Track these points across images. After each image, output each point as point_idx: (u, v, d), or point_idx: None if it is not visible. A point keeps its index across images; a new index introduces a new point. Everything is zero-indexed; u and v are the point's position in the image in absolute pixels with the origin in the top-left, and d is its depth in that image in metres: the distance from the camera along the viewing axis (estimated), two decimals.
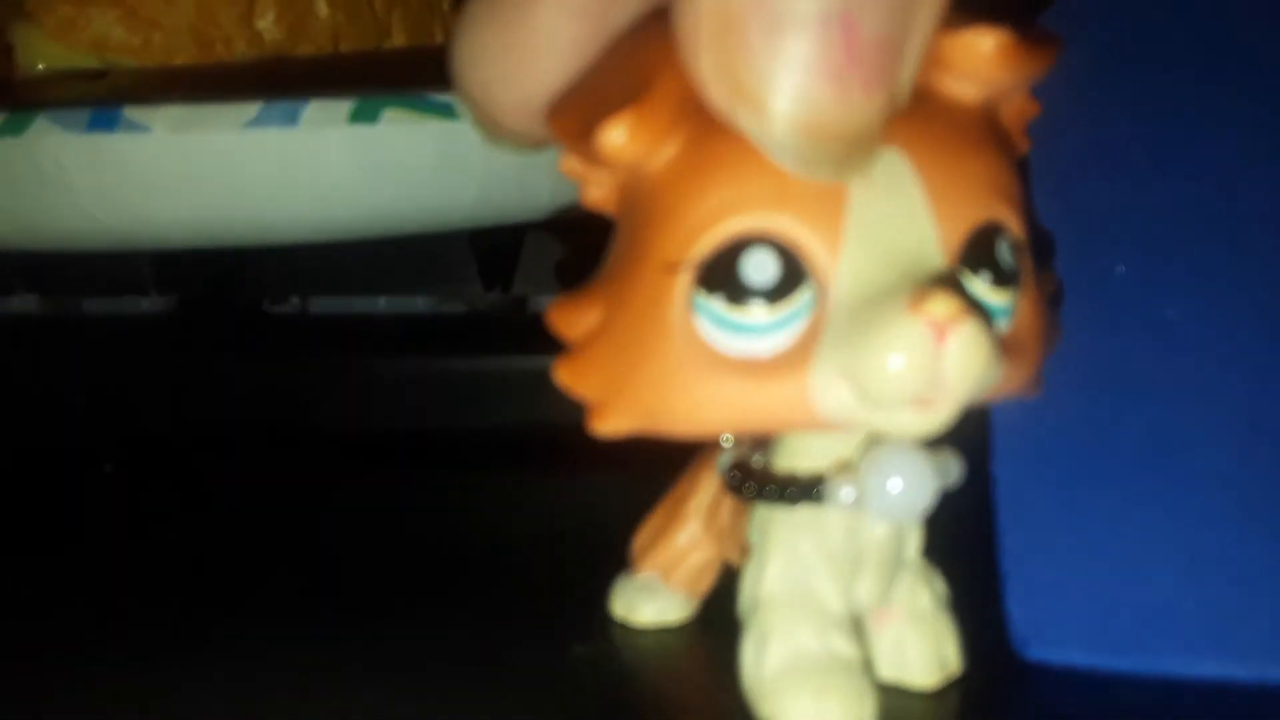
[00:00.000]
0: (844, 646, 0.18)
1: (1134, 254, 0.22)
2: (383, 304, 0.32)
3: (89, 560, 0.24)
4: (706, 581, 0.22)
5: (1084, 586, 0.20)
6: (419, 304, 0.32)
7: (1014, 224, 0.17)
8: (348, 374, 0.31)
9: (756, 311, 0.16)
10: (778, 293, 0.16)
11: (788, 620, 0.18)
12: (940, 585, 0.20)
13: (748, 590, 0.19)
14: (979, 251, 0.16)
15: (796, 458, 0.18)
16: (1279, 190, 0.22)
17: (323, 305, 0.33)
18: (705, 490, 0.21)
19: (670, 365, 0.16)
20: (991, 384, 0.16)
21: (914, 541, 0.19)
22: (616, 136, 0.16)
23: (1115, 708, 0.19)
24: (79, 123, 0.23)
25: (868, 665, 0.19)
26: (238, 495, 0.28)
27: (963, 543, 0.20)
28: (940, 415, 0.16)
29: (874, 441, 0.18)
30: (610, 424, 0.17)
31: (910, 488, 0.17)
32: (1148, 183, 0.22)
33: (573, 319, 0.17)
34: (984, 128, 0.17)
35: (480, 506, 0.28)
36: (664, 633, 0.21)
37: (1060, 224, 0.22)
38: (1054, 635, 0.20)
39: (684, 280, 0.16)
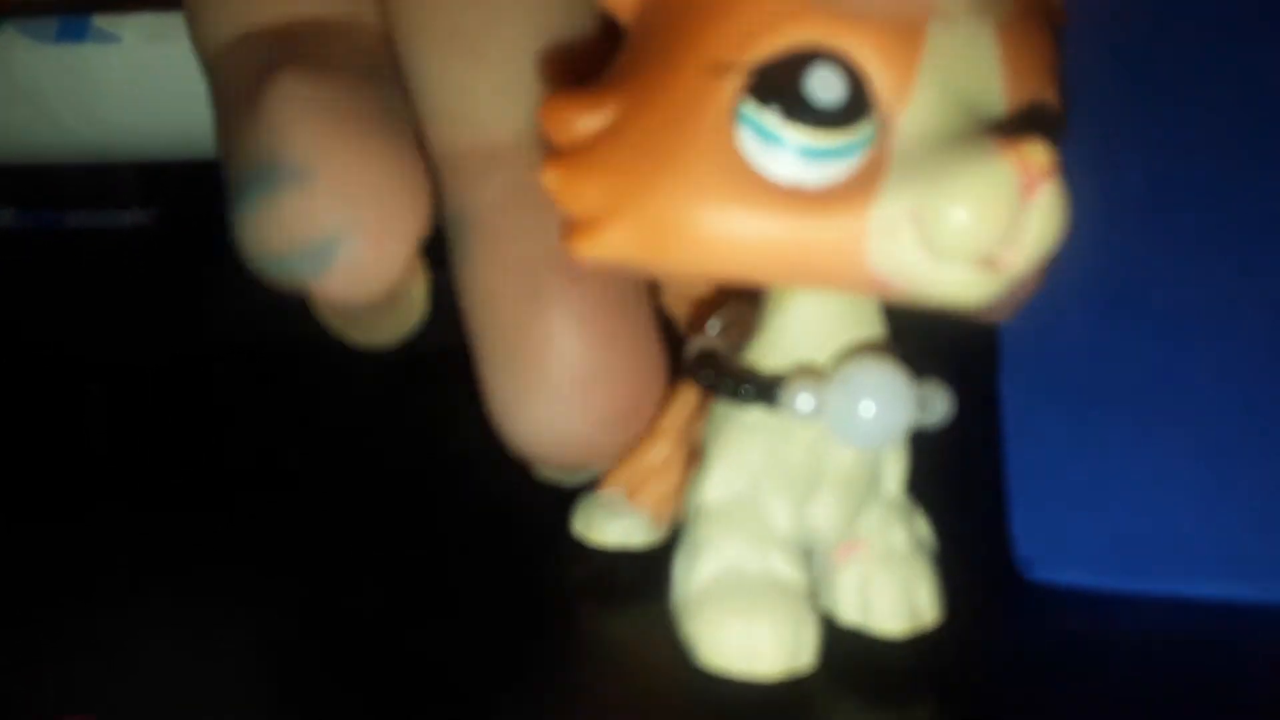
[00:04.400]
0: (786, 569, 0.17)
1: (1150, 168, 0.21)
2: None
3: (70, 479, 0.24)
4: (675, 506, 0.19)
5: (1090, 506, 0.20)
6: None
7: (1057, 109, 0.15)
8: None
9: (816, 132, 0.14)
10: (842, 116, 0.14)
11: (725, 532, 0.17)
12: (923, 527, 0.18)
13: (690, 496, 0.17)
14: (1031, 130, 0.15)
15: (766, 354, 0.17)
16: None
17: None
18: (681, 406, 0.19)
19: (698, 182, 0.14)
20: (1050, 256, 0.14)
21: (894, 473, 0.18)
22: None
23: (1121, 628, 0.19)
24: (47, 32, 0.22)
25: (812, 595, 0.17)
26: (224, 409, 0.28)
27: (967, 460, 0.19)
28: (999, 281, 0.14)
29: (852, 355, 0.16)
30: (603, 244, 0.15)
31: (881, 414, 0.16)
32: (1166, 96, 0.22)
33: (570, 119, 0.15)
34: (1042, 19, 0.16)
35: (469, 424, 0.27)
36: (629, 557, 0.20)
37: (1076, 131, 0.21)
38: (1059, 555, 0.20)
39: (731, 86, 0.14)
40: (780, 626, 0.16)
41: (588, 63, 0.16)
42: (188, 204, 0.32)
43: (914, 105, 0.14)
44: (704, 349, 0.17)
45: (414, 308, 0.18)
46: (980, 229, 0.14)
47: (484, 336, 0.17)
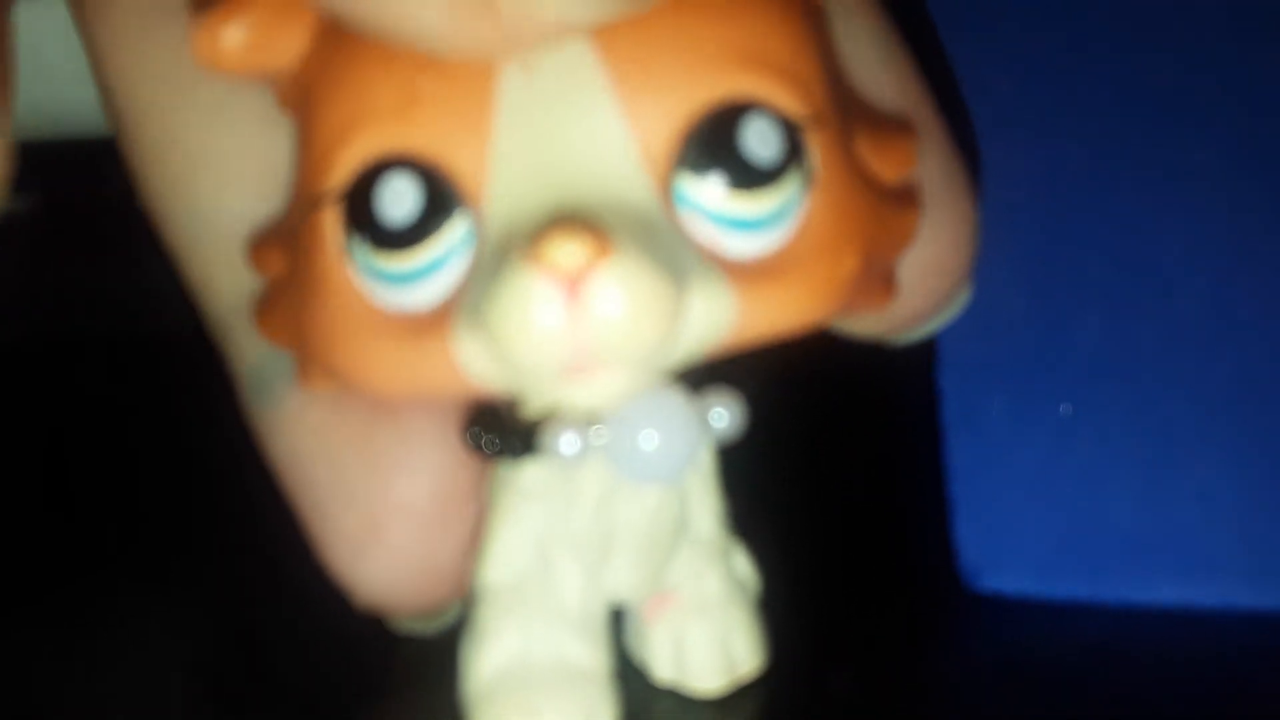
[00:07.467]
0: (579, 652, 0.15)
1: (1090, 152, 0.20)
2: None
3: None
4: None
5: (1037, 510, 0.19)
6: None
7: (782, 96, 0.13)
8: None
9: (401, 255, 0.13)
10: (422, 229, 0.13)
11: (510, 615, 0.15)
12: (743, 566, 0.17)
13: (475, 573, 0.15)
14: (709, 146, 0.13)
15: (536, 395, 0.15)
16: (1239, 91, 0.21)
17: None
18: None
19: (333, 322, 0.13)
20: (669, 329, 0.13)
21: (706, 513, 0.16)
22: (207, 39, 0.13)
23: (1073, 639, 0.18)
24: None
25: (610, 675, 0.16)
26: (115, 404, 0.26)
27: (906, 463, 0.18)
28: (614, 382, 0.13)
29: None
30: (313, 381, 0.14)
31: (666, 442, 0.14)
32: (1104, 78, 0.21)
33: (266, 259, 0.15)
34: None
35: None
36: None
37: (1006, 114, 0.21)
38: (1006, 564, 0.19)
39: (332, 219, 0.13)
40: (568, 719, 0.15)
41: None
42: (72, 187, 0.30)
43: (493, 190, 0.13)
44: (482, 405, 0.15)
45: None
46: (529, 350, 0.12)
47: (311, 486, 0.16)
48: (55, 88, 0.23)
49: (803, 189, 0.13)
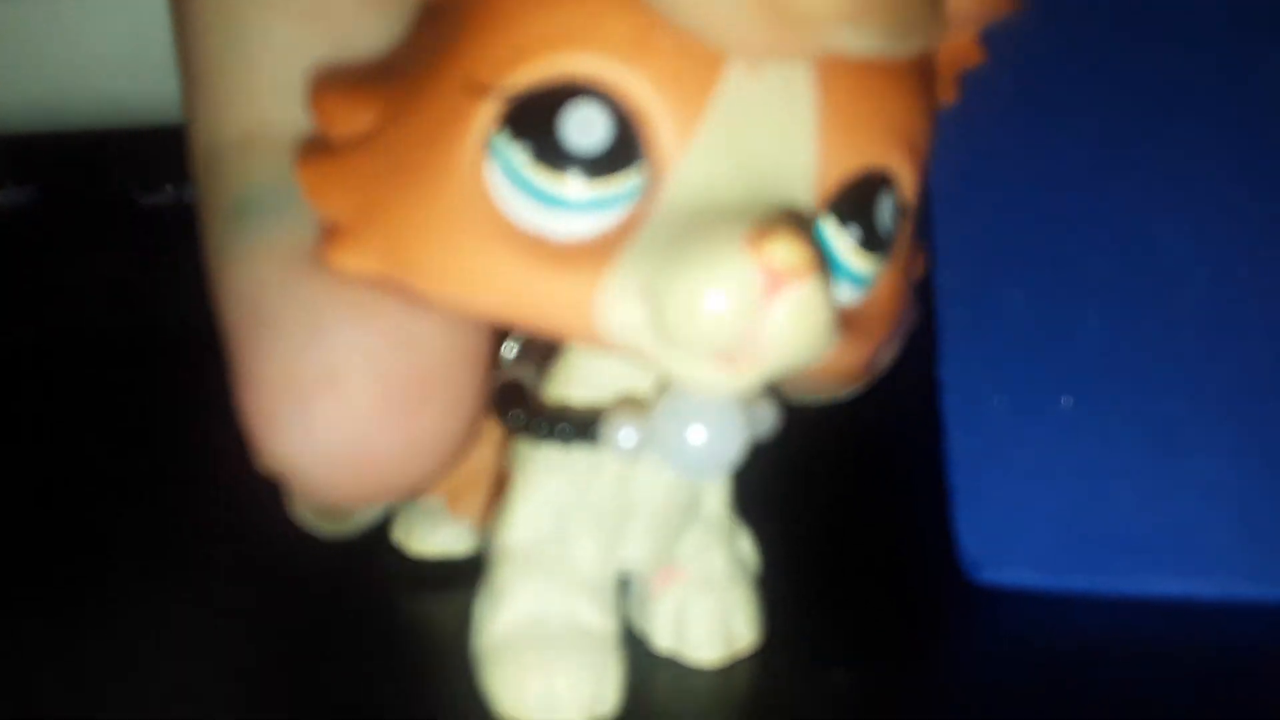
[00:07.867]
0: (591, 615, 0.16)
1: (1093, 145, 0.21)
2: None
3: None
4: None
5: (1038, 503, 0.19)
6: None
7: (907, 181, 0.14)
8: None
9: (565, 180, 0.13)
10: (599, 165, 0.13)
11: (527, 577, 0.15)
12: (746, 547, 0.18)
13: (493, 535, 0.16)
14: (856, 202, 0.13)
15: (574, 384, 0.15)
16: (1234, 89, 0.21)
17: None
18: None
19: (441, 211, 0.13)
20: (815, 359, 0.13)
21: (715, 492, 0.17)
22: None
23: (1074, 631, 0.18)
24: None
25: (619, 638, 0.16)
26: (110, 401, 0.26)
27: (908, 455, 0.18)
28: (742, 379, 0.13)
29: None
30: (352, 258, 0.13)
31: (715, 439, 0.14)
32: (1109, 74, 0.21)
33: (340, 112, 0.14)
34: (910, 62, 0.14)
35: None
36: (444, 567, 0.18)
37: (1006, 111, 0.21)
38: (1007, 556, 0.19)
39: (487, 111, 0.13)
40: (580, 679, 0.15)
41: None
42: (68, 181, 0.30)
43: (690, 158, 0.13)
44: (509, 382, 0.15)
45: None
46: (705, 326, 0.12)
47: (271, 319, 0.14)
48: (55, 81, 0.23)
49: (887, 262, 0.14)
